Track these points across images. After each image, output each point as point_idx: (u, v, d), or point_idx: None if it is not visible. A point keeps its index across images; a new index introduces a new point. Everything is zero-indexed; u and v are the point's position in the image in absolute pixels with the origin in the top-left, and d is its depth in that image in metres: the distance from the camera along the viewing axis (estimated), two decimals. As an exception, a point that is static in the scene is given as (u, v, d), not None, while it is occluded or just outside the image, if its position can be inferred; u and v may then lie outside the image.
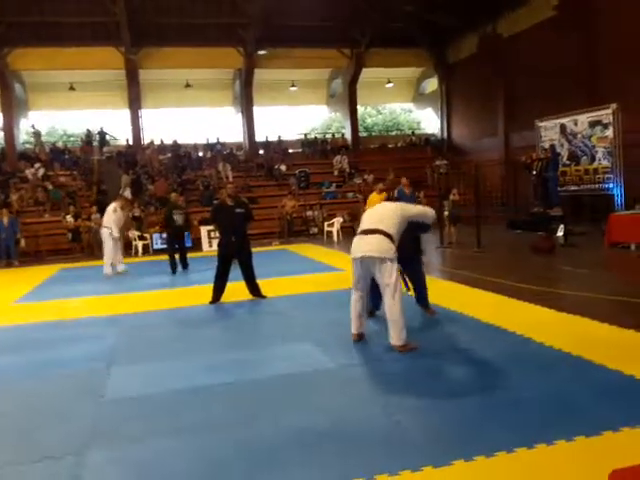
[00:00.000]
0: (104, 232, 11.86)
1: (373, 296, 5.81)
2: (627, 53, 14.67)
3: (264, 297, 8.06)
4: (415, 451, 3.18)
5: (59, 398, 4.46)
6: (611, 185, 14.56)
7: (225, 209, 8.07)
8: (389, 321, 5.13)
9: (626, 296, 6.88)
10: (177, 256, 11.58)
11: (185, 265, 11.75)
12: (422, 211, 5.70)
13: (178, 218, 11.52)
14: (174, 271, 11.45)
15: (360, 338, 5.50)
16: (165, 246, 12.48)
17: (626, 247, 11.07)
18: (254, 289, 8.09)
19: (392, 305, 5.04)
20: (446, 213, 13.77)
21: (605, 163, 14.78)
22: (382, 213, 5.45)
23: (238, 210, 7.99)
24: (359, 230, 5.43)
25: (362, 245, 5.19)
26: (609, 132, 14.56)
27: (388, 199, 7.04)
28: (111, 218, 11.69)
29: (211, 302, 7.89)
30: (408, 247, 5.87)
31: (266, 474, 3.04)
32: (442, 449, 3.18)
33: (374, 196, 11.11)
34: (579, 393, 3.89)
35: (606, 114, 14.60)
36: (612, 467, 2.17)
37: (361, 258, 5.18)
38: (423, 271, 6.59)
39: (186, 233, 16.04)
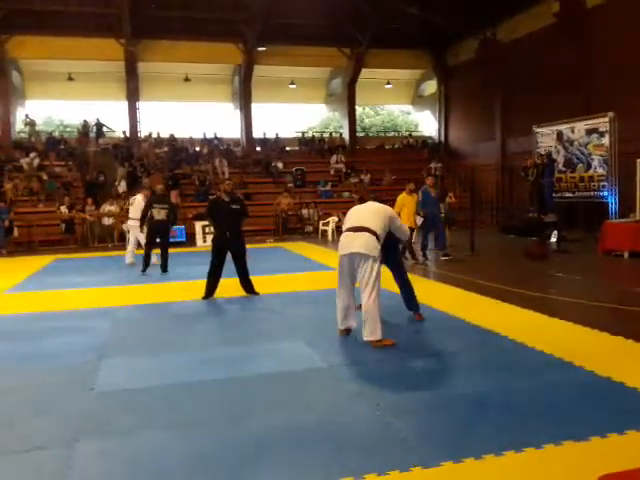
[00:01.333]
0: (132, 224, 11.79)
1: None
2: (625, 63, 14.74)
3: (257, 294, 8.06)
4: (404, 452, 3.19)
5: (49, 390, 4.44)
6: (606, 193, 14.62)
7: (221, 205, 8.07)
8: (365, 317, 5.24)
9: (617, 303, 6.93)
10: (159, 251, 10.82)
11: (164, 267, 10.62)
12: (403, 228, 5.91)
13: (157, 212, 10.53)
14: (144, 268, 10.50)
15: (347, 332, 5.64)
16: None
17: (619, 255, 11.13)
18: (247, 286, 8.09)
19: (369, 303, 5.18)
20: (442, 216, 13.78)
21: (600, 171, 14.83)
22: (372, 211, 5.56)
23: (234, 206, 7.98)
24: (346, 227, 5.50)
25: (350, 242, 5.31)
26: (605, 140, 14.62)
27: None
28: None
29: (204, 297, 7.88)
30: (389, 256, 5.99)
31: (254, 471, 3.05)
32: (431, 450, 3.19)
33: (404, 197, 11.06)
34: (568, 398, 3.91)
35: (603, 122, 14.65)
36: (600, 473, 2.19)
37: (349, 255, 5.29)
38: (406, 274, 6.55)
39: (180, 228, 16.02)
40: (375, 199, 6.25)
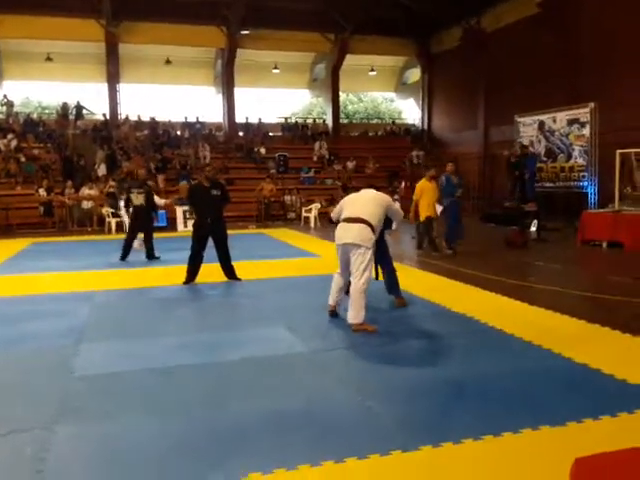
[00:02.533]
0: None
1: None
2: (608, 53, 14.86)
3: (239, 280, 8.04)
4: (384, 436, 3.22)
5: (27, 374, 4.39)
6: (586, 183, 14.78)
7: (201, 190, 8.00)
8: (351, 301, 5.39)
9: (594, 292, 7.03)
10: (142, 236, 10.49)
11: (150, 254, 10.32)
12: (399, 212, 6.11)
13: (135, 197, 10.15)
14: (124, 256, 10.13)
15: (333, 311, 5.86)
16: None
17: (598, 245, 11.28)
18: (229, 271, 8.06)
19: (357, 289, 5.32)
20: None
21: (581, 161, 14.98)
22: (367, 200, 5.68)
23: (214, 192, 7.92)
24: (343, 217, 5.62)
25: (345, 232, 5.47)
26: (586, 131, 14.75)
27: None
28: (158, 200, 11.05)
29: (185, 283, 7.83)
30: (378, 243, 6.02)
31: (234, 455, 3.04)
32: (411, 435, 3.22)
33: (424, 184, 10.46)
34: (545, 384, 3.97)
35: (584, 113, 14.77)
36: (575, 456, 2.22)
37: (342, 245, 5.47)
38: (392, 263, 6.56)
39: (160, 213, 15.77)
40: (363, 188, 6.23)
